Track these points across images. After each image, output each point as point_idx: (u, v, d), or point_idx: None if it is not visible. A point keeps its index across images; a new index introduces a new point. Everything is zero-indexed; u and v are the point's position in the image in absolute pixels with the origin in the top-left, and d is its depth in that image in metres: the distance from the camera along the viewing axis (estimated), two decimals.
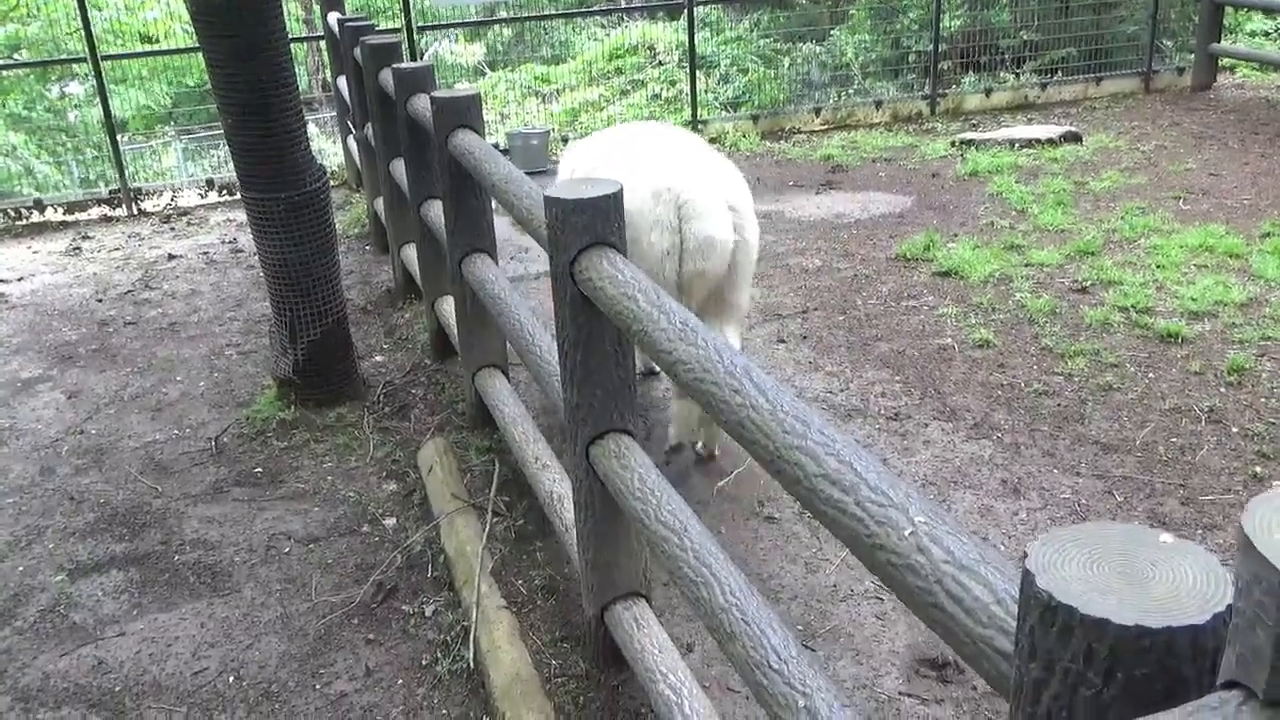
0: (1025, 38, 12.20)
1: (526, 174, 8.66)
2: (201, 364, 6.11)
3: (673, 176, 4.07)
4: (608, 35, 12.55)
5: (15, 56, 12.35)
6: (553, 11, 11.84)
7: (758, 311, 6.03)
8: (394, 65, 5.28)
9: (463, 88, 4.68)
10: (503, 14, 11.35)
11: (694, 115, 10.40)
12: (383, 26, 9.72)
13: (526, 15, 12.35)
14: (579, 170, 4.53)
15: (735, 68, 11.75)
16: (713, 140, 10.23)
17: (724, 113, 11.12)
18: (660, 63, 12.20)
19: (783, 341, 5.64)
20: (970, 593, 1.32)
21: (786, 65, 12.08)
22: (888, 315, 5.86)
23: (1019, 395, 4.86)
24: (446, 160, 4.37)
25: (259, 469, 4.88)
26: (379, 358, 5.98)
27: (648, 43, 12.47)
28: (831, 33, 12.64)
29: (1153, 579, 1.09)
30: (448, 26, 11.28)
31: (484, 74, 12.66)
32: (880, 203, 8.01)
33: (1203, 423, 4.49)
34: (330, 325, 5.18)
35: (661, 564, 2.51)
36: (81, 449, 5.19)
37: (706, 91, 11.82)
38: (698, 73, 11.48)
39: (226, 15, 4.55)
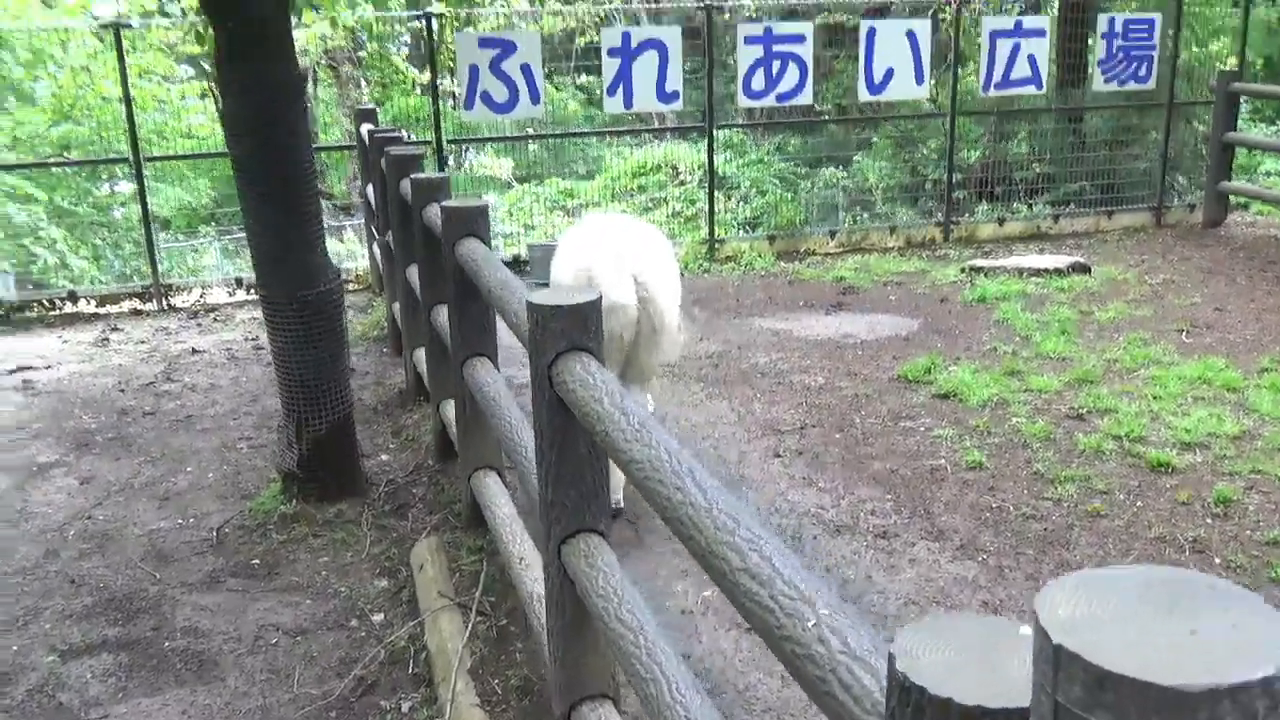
0: (1040, 170, 12.51)
1: (544, 284, 8.80)
2: (212, 455, 6.25)
3: (589, 256, 4.83)
4: (632, 153, 12.94)
5: (65, 155, 12.82)
6: (582, 129, 12.18)
7: (756, 425, 6.13)
8: (412, 175, 5.52)
9: (472, 199, 4.89)
10: (531, 130, 11.71)
11: (710, 234, 10.65)
12: (415, 138, 10.13)
13: (556, 133, 12.79)
14: (557, 255, 5.19)
15: (755, 189, 12.10)
16: (728, 259, 10.54)
17: (741, 232, 11.42)
18: (682, 181, 12.56)
19: (779, 456, 5.72)
20: (860, 681, 1.39)
21: (807, 188, 12.43)
22: (884, 434, 5.94)
23: (1007, 518, 4.91)
24: (453, 267, 4.55)
25: (256, 560, 4.97)
26: (384, 456, 6.10)
27: (671, 162, 12.85)
28: (855, 158, 13.03)
29: (1006, 665, 1.17)
30: (479, 141, 11.69)
31: (511, 187, 13.04)
32: (887, 325, 8.13)
33: (1187, 553, 4.52)
34: (335, 422, 5.32)
35: (619, 661, 2.57)
36: (87, 534, 5.31)
37: (726, 212, 12.17)
38: (718, 193, 11.82)
39: (252, 121, 4.81)
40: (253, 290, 10.02)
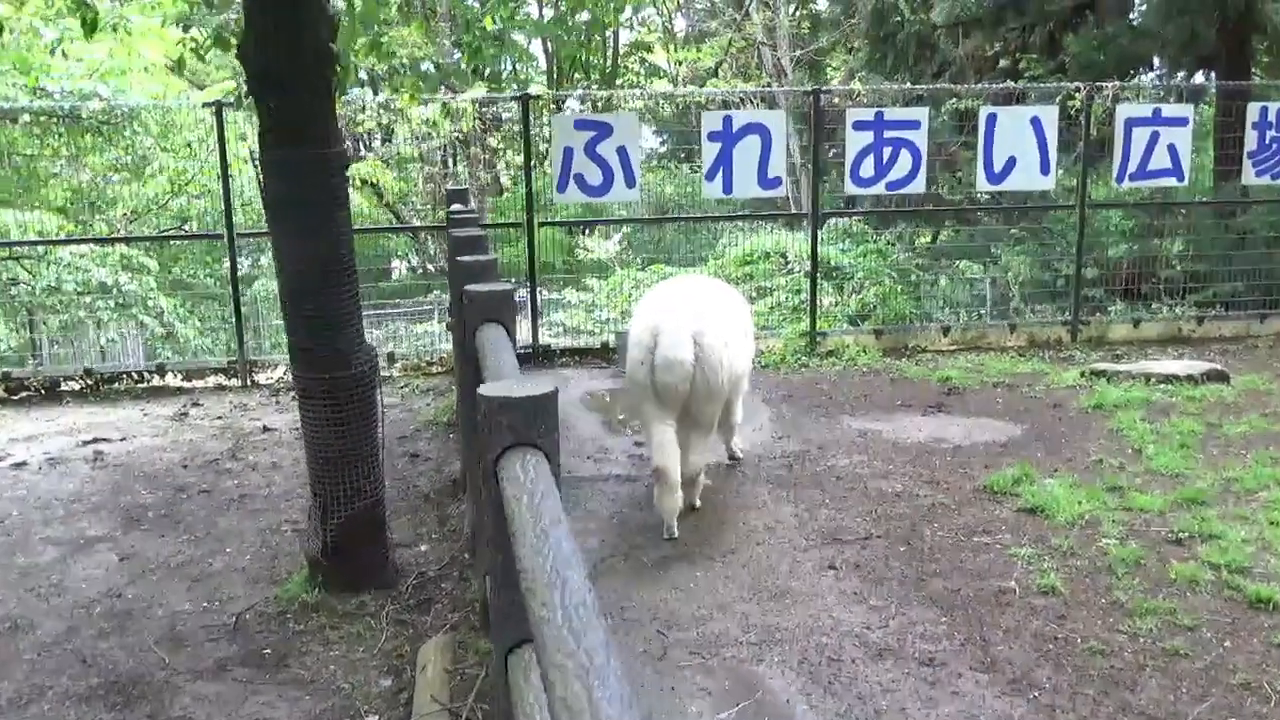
0: (1184, 269, 12.00)
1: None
2: (255, 538, 6.37)
3: (659, 314, 5.95)
4: (741, 240, 12.96)
5: (181, 228, 13.54)
6: (675, 215, 12.28)
7: (817, 533, 5.94)
8: (458, 257, 5.60)
9: (502, 284, 4.90)
10: (625, 213, 11.88)
11: (812, 326, 10.53)
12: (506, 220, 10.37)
13: (646, 217, 12.92)
14: (636, 312, 6.37)
15: (869, 280, 11.93)
16: (829, 353, 10.42)
17: (847, 325, 11.27)
18: (789, 270, 12.48)
19: (833, 568, 5.51)
20: None
21: (926, 281, 12.21)
22: (954, 550, 5.67)
23: (1071, 651, 4.58)
24: (470, 353, 4.56)
25: (268, 650, 4.99)
26: (424, 546, 6.11)
27: (781, 249, 12.82)
28: (994, 249, 12.78)
29: None
30: (571, 224, 11.87)
31: (612, 270, 13.19)
32: (987, 430, 7.93)
33: (1272, 704, 4.12)
34: (363, 510, 5.36)
35: None
36: (112, 612, 5.44)
37: (835, 304, 12.02)
38: (827, 284, 11.70)
39: (289, 201, 4.97)
40: None
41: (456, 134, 16.14)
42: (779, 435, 7.89)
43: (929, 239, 14.64)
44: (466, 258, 5.55)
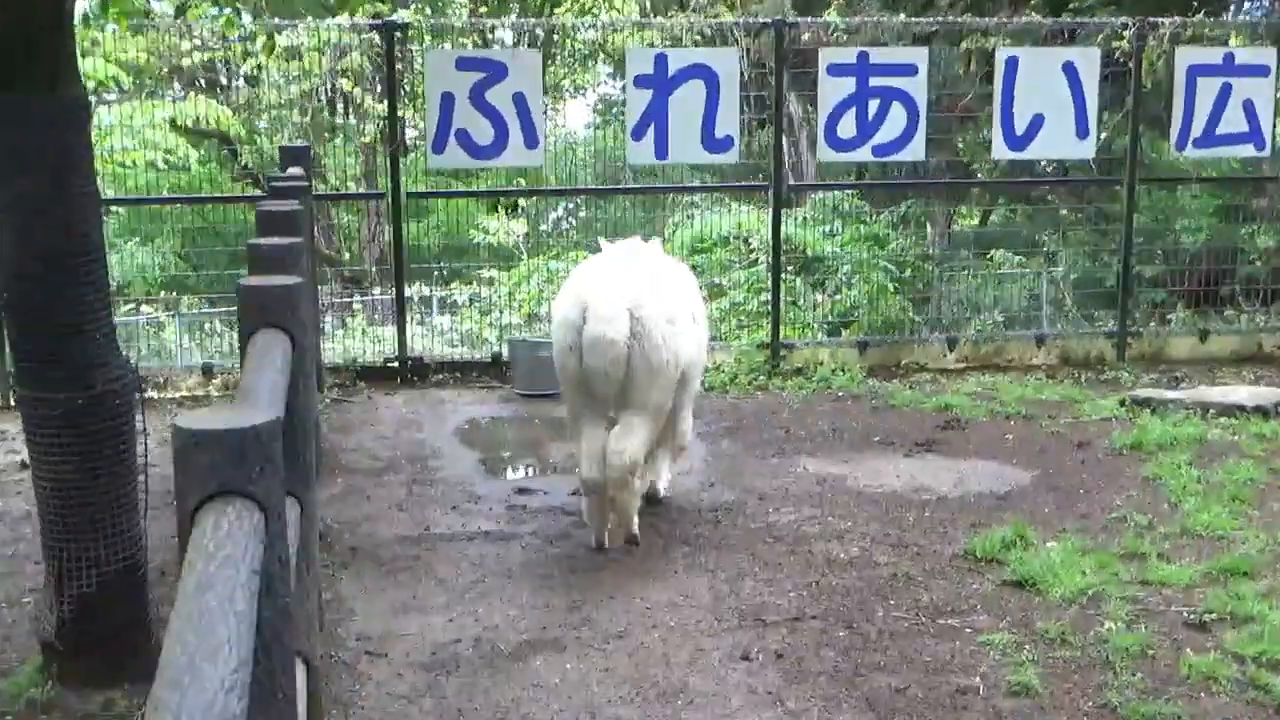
0: (1277, 264, 12.14)
1: (529, 394, 9.15)
2: None
3: (588, 285, 6.50)
4: (690, 221, 13.03)
5: None
6: (591, 186, 12.33)
7: (735, 612, 5.95)
8: (252, 241, 5.60)
9: (280, 278, 4.88)
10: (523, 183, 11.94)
11: (774, 335, 10.64)
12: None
13: (554, 189, 12.99)
14: (564, 287, 7.02)
15: (858, 275, 11.98)
16: (796, 371, 10.57)
17: (822, 335, 11.40)
18: (753, 261, 12.55)
19: (747, 659, 5.49)
20: None
21: (938, 280, 12.29)
22: (908, 636, 5.67)
23: None
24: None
25: None
26: None
27: (744, 233, 12.87)
28: (1042, 237, 12.94)
29: None
30: (449, 196, 11.89)
31: (520, 257, 13.22)
32: (986, 476, 8.05)
33: None
34: (115, 577, 5.28)
35: None
36: None
37: (813, 306, 12.07)
38: (799, 280, 11.75)
39: (13, 162, 4.93)
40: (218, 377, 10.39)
41: (339, 74, 16.07)
42: (711, 481, 7.97)
43: (949, 222, 14.82)
44: (264, 240, 5.58)
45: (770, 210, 10.79)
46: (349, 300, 14.46)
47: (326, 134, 15.32)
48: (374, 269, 16.85)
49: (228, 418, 2.89)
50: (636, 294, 6.42)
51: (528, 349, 10.06)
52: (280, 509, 2.90)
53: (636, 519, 6.78)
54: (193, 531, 2.75)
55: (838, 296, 12.02)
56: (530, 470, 8.68)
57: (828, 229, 13.05)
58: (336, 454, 8.64)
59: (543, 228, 13.96)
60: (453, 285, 13.05)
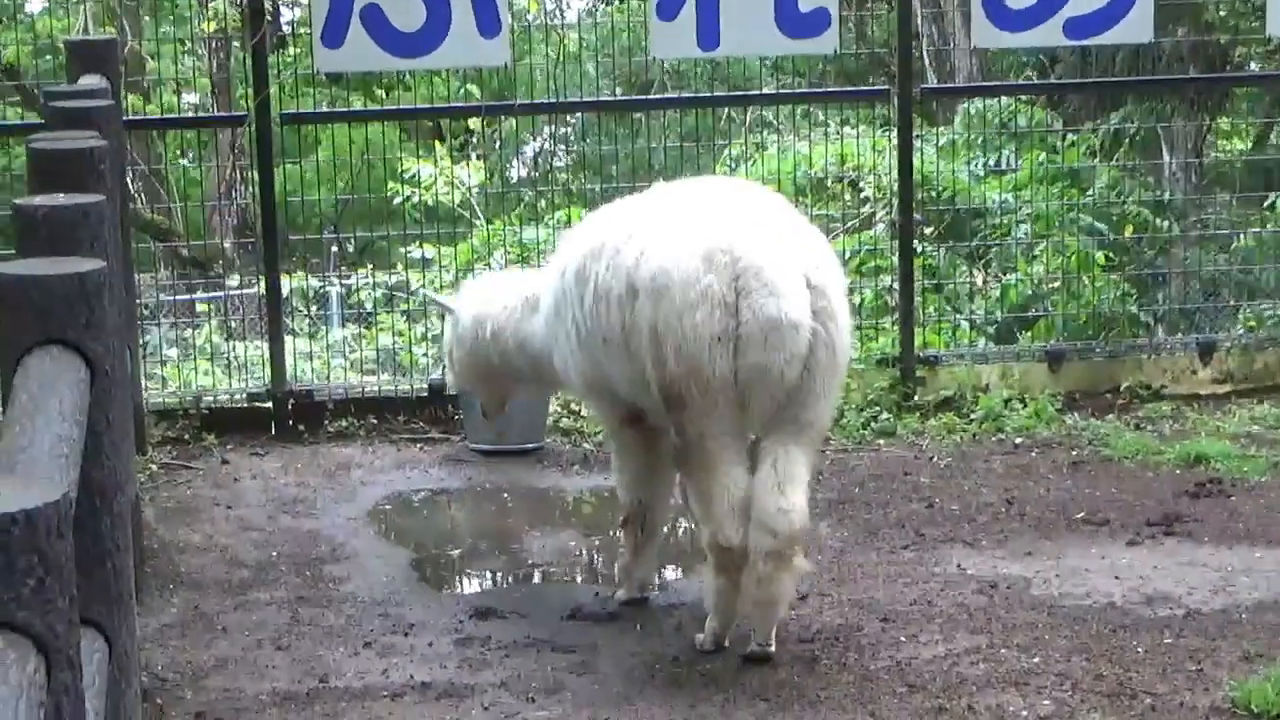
0: None
1: (496, 451, 9.05)
2: None
3: (732, 235, 6.56)
4: (760, 154, 12.74)
5: None
6: (637, 96, 11.98)
7: None
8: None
9: (65, 264, 4.62)
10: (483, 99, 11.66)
11: (906, 342, 10.46)
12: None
13: (555, 101, 12.54)
14: (583, 248, 7.21)
15: (1046, 240, 11.67)
16: (943, 404, 10.47)
17: (985, 345, 11.13)
18: (866, 218, 12.38)
19: None
20: None
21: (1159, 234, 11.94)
22: None
23: None
24: None
25: None
26: None
27: (849, 171, 12.55)
28: None
29: None
30: (353, 119, 11.58)
31: (473, 222, 13.04)
32: (1268, 576, 7.96)
33: None
34: None
35: None
36: None
37: (972, 293, 11.71)
38: (941, 249, 11.34)
39: None
40: None
41: None
42: (803, 592, 7.78)
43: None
44: (40, 200, 5.44)
45: (894, 133, 10.58)
46: (190, 298, 14.25)
47: (146, 16, 15.05)
48: (230, 246, 16.63)
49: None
50: (808, 250, 6.74)
51: None
52: (70, 650, 2.91)
53: (777, 617, 7.01)
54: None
55: (1010, 276, 11.74)
56: (495, 578, 8.71)
57: (990, 161, 12.82)
58: (170, 556, 8.65)
59: (510, 172, 13.46)
60: (362, 272, 12.86)
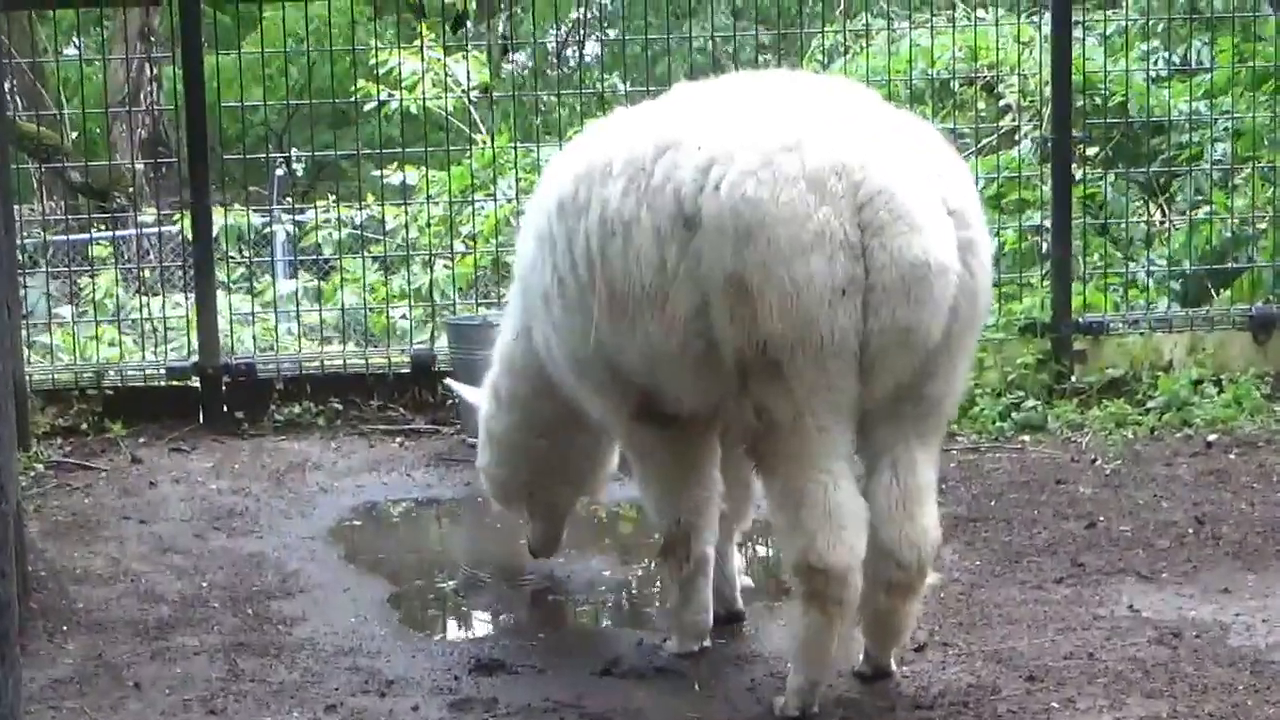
0: None
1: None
2: None
3: (846, 149, 6.28)
4: (861, 47, 12.87)
5: None
6: None
7: None
8: None
9: None
10: None
11: (1061, 303, 10.47)
12: None
13: None
14: (573, 169, 7.13)
15: (1247, 165, 11.71)
16: (1109, 388, 10.35)
17: (1164, 305, 11.17)
18: (1006, 135, 12.37)
19: None
20: None
21: None
22: None
23: None
24: None
25: None
26: None
27: (982, 72, 12.66)
28: None
29: None
30: None
31: (473, 138, 13.06)
32: None
33: None
34: None
35: None
36: None
37: (1149, 239, 11.78)
38: (1112, 177, 11.46)
39: None
40: None
41: None
42: (919, 641, 7.82)
43: None
44: None
45: (1046, 19, 10.73)
46: (85, 239, 14.18)
47: None
48: (140, 168, 16.72)
49: None
50: (940, 166, 6.57)
51: (475, 333, 10.07)
52: None
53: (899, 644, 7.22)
54: None
55: (1201, 213, 11.76)
56: (502, 620, 8.76)
57: (1175, 56, 12.88)
58: (64, 587, 8.79)
59: (513, 64, 13.56)
60: (320, 205, 12.96)
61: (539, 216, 7.15)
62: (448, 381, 10.13)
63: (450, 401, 10.50)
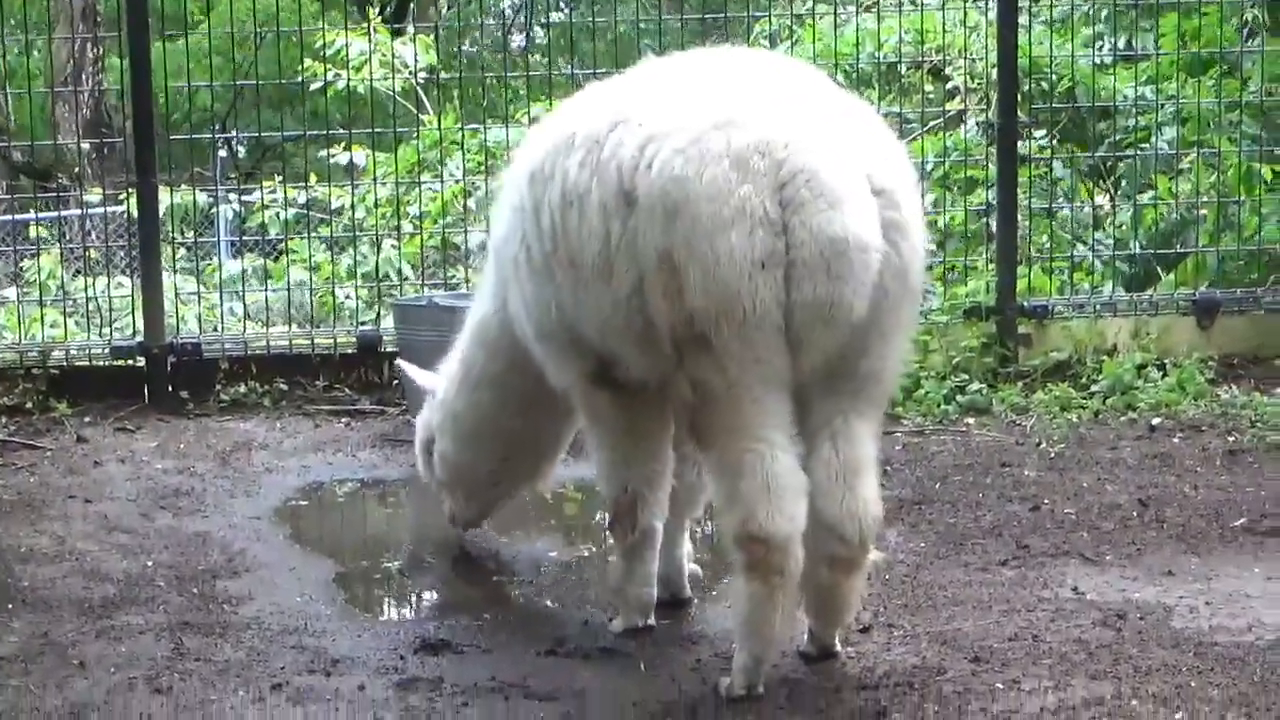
0: None
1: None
2: None
3: (770, 127, 6.50)
4: (806, 24, 12.87)
5: None
6: None
7: None
8: None
9: None
10: None
11: (1005, 285, 10.53)
12: None
13: None
14: (546, 143, 7.26)
15: (1192, 147, 11.71)
16: (1053, 373, 10.53)
17: (1109, 289, 11.16)
18: (952, 117, 12.44)
19: None
20: None
21: None
22: None
23: None
24: None
25: None
26: None
27: (934, 47, 12.66)
28: None
29: None
30: None
31: (420, 119, 13.05)
32: None
33: None
34: None
35: None
36: None
37: (1095, 222, 11.81)
38: (1064, 166, 11.50)
39: None
40: None
41: None
42: (865, 622, 7.90)
43: None
44: None
45: (992, 2, 10.82)
46: (28, 219, 14.31)
47: None
48: (82, 147, 16.79)
49: None
50: (868, 143, 6.75)
51: (426, 315, 10.06)
52: None
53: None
54: None
55: (1146, 198, 11.81)
56: (448, 600, 8.84)
57: (1120, 41, 12.97)
58: (8, 566, 8.86)
59: (462, 47, 13.57)
60: (266, 186, 12.98)
61: (512, 188, 7.31)
62: (399, 363, 9.99)
63: (395, 382, 10.45)
